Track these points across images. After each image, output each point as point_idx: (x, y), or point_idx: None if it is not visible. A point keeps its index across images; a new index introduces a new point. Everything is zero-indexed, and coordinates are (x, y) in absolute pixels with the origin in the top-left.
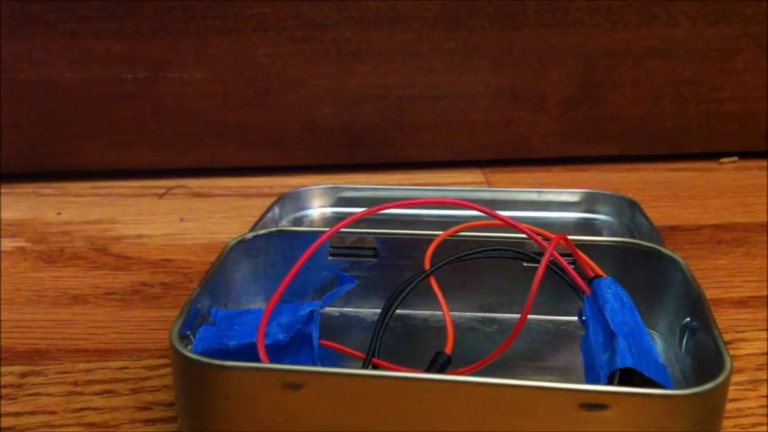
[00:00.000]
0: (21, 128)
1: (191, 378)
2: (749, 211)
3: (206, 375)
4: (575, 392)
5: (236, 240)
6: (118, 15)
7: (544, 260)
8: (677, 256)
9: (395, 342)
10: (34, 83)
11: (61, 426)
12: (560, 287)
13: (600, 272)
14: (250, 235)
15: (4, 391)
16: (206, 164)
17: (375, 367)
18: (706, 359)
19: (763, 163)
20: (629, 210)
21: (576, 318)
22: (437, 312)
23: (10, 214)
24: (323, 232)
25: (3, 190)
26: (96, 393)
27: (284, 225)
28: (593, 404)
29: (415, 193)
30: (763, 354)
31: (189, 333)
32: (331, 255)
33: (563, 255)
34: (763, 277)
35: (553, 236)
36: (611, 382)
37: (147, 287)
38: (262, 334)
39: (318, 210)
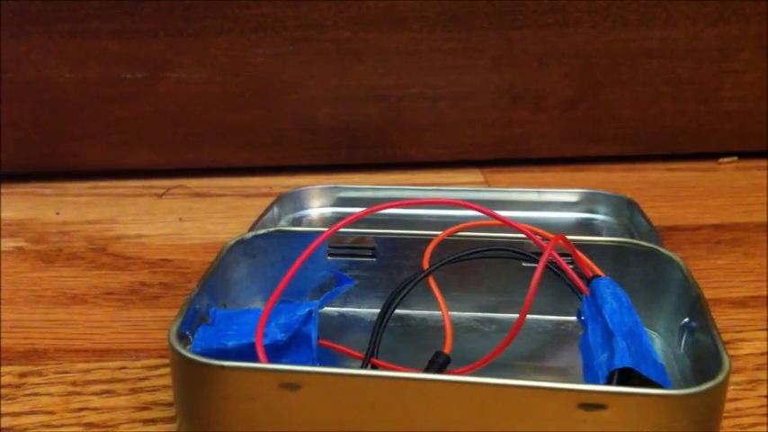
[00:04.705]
0: (20, 128)
1: (189, 378)
2: (748, 212)
3: (205, 375)
4: (573, 392)
5: (235, 240)
6: (117, 15)
7: (543, 260)
8: (676, 256)
9: (394, 342)
10: (34, 83)
11: (60, 426)
12: (559, 287)
13: (599, 272)
14: (249, 235)
15: (3, 391)
16: (205, 164)
17: (374, 367)
18: (705, 359)
19: (762, 163)
20: (628, 210)
21: (574, 318)
22: (436, 312)
23: (9, 214)
24: (322, 232)
25: (2, 190)
26: (95, 393)
27: (283, 225)
28: (592, 404)
29: (414, 194)
30: (761, 354)
31: (188, 333)
32: (330, 255)
33: (562, 255)
34: (763, 277)
35: (552, 236)
36: (609, 382)
37: (145, 287)
38: (260, 334)
39: (317, 210)
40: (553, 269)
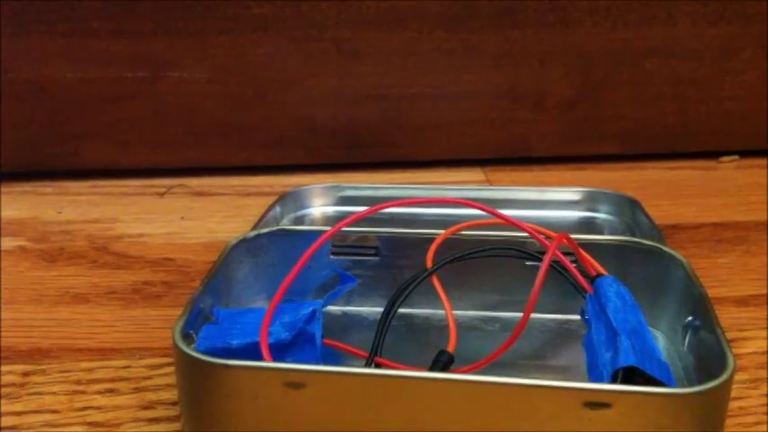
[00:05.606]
0: (21, 128)
1: (194, 377)
2: (749, 210)
3: (209, 374)
4: (578, 391)
5: (237, 239)
6: (117, 15)
7: (546, 259)
8: (679, 255)
9: (397, 341)
10: (34, 83)
11: (64, 425)
12: (563, 286)
13: (602, 270)
14: (252, 234)
15: (6, 390)
16: (205, 163)
17: (378, 366)
18: (708, 357)
19: (763, 161)
20: (629, 208)
21: (578, 316)
22: (439, 311)
23: (10, 213)
24: (324, 231)
25: (3, 189)
26: (99, 392)
27: (286, 224)
28: (596, 403)
29: (416, 192)
30: (764, 352)
31: (192, 332)
32: (333, 254)
33: (565, 253)
34: (764, 275)
35: (555, 235)
36: (613, 381)
37: (148, 286)
38: (265, 333)
39: (320, 208)
40: (557, 268)
